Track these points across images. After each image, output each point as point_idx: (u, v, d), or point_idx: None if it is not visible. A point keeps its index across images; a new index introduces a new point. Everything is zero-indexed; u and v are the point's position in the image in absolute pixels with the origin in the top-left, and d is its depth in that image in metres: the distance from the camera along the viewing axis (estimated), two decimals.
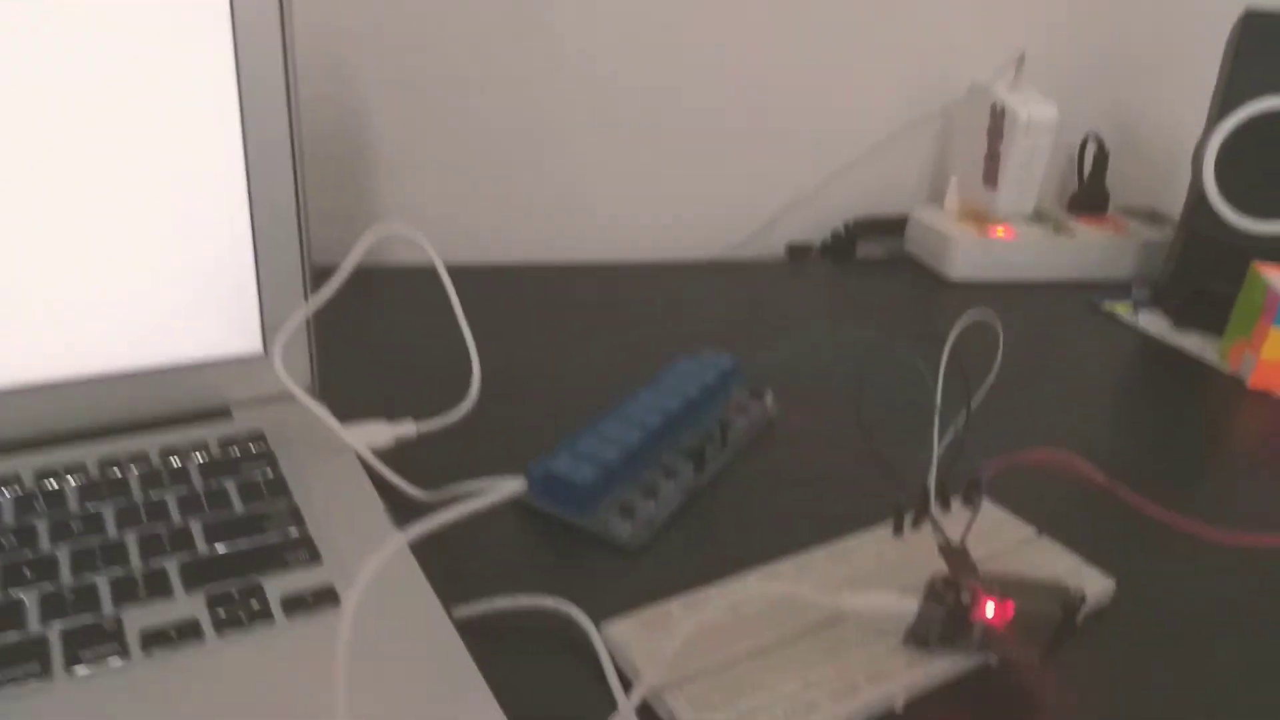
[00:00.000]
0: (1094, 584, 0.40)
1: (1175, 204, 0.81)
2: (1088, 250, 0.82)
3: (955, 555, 0.35)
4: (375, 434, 0.43)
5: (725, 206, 0.82)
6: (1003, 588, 0.34)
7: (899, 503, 0.42)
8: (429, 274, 0.45)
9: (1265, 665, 0.38)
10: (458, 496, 0.40)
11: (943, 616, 0.34)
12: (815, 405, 0.50)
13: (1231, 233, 0.70)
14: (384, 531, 0.37)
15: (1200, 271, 0.73)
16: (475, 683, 0.31)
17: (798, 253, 0.83)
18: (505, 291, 0.66)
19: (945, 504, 0.43)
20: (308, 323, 0.45)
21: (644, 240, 0.79)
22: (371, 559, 0.28)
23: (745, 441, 0.49)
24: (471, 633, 0.34)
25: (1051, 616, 0.34)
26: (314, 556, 0.35)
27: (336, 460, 0.41)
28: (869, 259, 0.83)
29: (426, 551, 0.39)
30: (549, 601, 0.36)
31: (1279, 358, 0.62)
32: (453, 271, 0.46)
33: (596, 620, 0.35)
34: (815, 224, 0.85)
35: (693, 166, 0.79)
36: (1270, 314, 0.62)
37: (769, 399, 0.53)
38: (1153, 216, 0.90)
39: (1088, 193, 0.90)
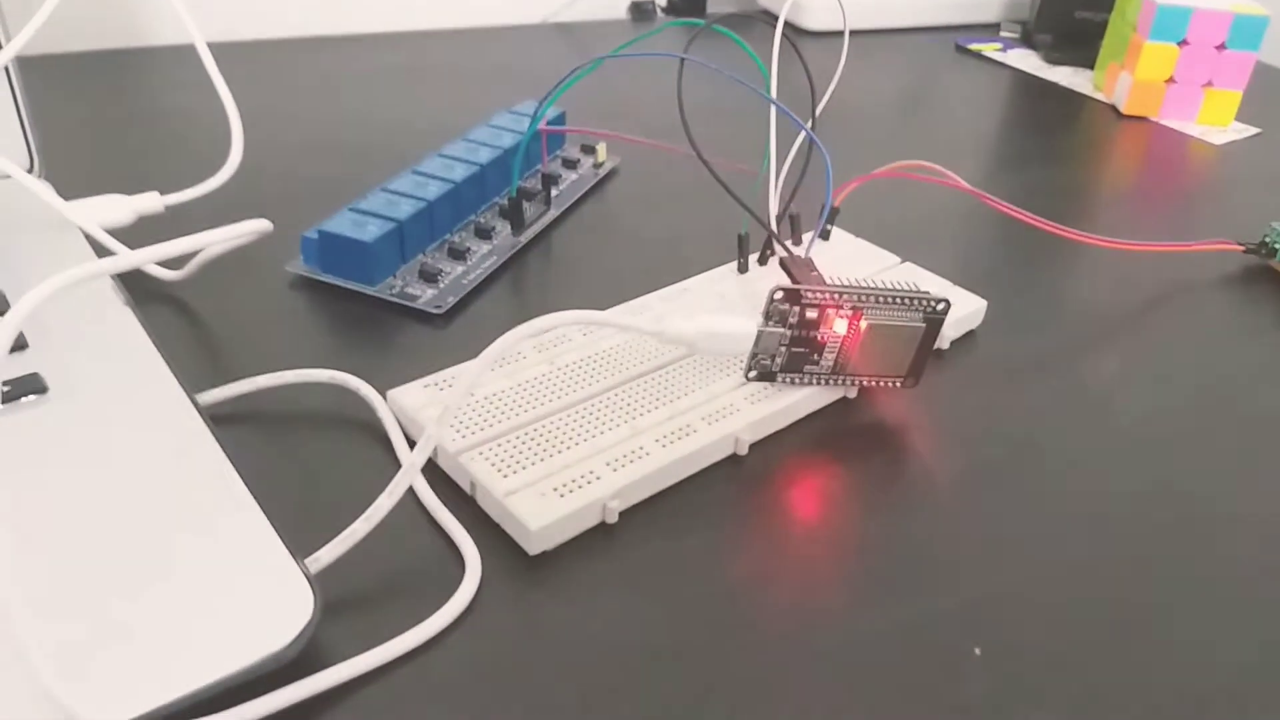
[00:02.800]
0: (965, 305, 0.35)
1: None
2: None
3: (799, 266, 0.30)
4: (108, 209, 0.35)
5: None
6: (854, 300, 0.29)
7: (742, 236, 0.36)
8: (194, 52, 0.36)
9: (1144, 376, 0.35)
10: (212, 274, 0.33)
11: (787, 338, 0.29)
12: (658, 156, 0.43)
13: None
14: (115, 314, 0.30)
15: (1070, 2, 0.68)
16: (221, 471, 0.25)
17: (641, 10, 0.74)
18: (287, 65, 0.57)
19: (796, 236, 0.38)
20: (14, 94, 0.36)
21: (467, 4, 0.70)
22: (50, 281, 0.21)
23: (574, 198, 0.43)
24: (234, 420, 0.28)
25: (912, 329, 0.30)
26: (19, 345, 0.28)
27: (60, 242, 0.33)
28: (718, 14, 0.75)
29: (178, 335, 0.32)
30: (323, 375, 0.30)
31: (1152, 77, 0.58)
32: (223, 47, 0.37)
33: (385, 392, 0.29)
34: None
35: None
36: (1144, 29, 0.57)
37: (602, 151, 0.46)
38: None
39: None
